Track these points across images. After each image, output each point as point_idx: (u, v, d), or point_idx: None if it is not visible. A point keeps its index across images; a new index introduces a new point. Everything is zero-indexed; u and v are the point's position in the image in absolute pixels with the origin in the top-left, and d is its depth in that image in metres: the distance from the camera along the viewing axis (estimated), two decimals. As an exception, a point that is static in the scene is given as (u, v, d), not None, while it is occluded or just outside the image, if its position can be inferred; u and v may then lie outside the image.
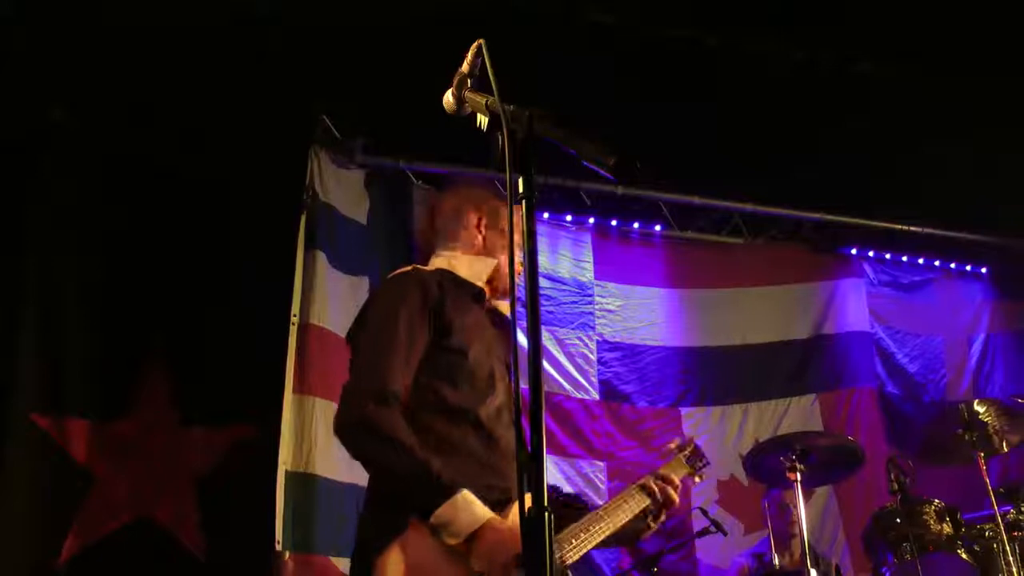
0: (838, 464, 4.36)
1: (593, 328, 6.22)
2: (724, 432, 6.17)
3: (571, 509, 2.45)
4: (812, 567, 3.85)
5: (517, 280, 2.08)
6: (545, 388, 1.52)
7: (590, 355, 6.15)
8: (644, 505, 2.48)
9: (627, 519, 2.43)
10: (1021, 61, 5.25)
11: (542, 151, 1.68)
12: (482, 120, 1.87)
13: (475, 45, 1.91)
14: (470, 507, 2.08)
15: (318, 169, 5.43)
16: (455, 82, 1.95)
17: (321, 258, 5.24)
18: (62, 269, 4.88)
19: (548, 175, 5.92)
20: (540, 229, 5.82)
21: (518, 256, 2.23)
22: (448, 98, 1.97)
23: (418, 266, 2.53)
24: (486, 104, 1.85)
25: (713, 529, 4.77)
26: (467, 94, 1.92)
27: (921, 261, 7.11)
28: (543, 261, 6.15)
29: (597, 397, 6.06)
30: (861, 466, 4.42)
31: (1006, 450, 4.29)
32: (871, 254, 7.00)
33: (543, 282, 5.95)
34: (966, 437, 4.17)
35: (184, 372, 4.89)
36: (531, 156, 1.67)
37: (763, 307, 6.62)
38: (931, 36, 5.16)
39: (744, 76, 5.42)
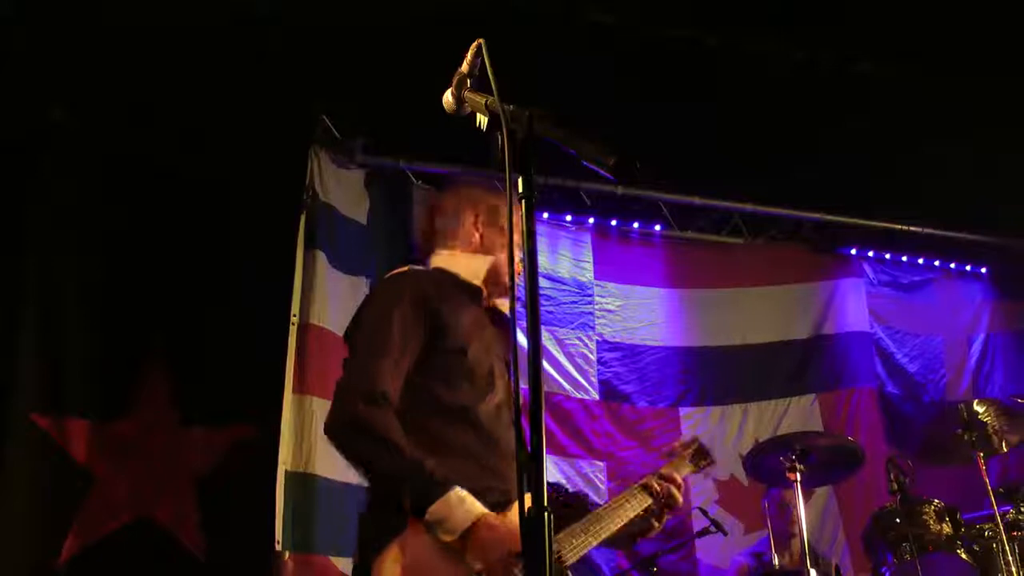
0: (838, 464, 4.36)
1: (593, 328, 6.23)
2: (724, 432, 6.17)
3: (572, 509, 2.44)
4: (812, 567, 3.85)
5: (517, 280, 2.08)
6: (545, 388, 1.52)
7: (590, 355, 6.15)
8: (646, 505, 2.48)
9: (628, 519, 2.43)
10: (1021, 61, 5.25)
11: (542, 151, 1.68)
12: (482, 120, 1.87)
13: (475, 45, 1.90)
14: (463, 504, 2.08)
15: (318, 169, 5.43)
16: (455, 82, 1.94)
17: (321, 258, 5.24)
18: (62, 269, 4.88)
19: (548, 175, 5.92)
20: (540, 229, 5.83)
21: (518, 255, 2.23)
22: (448, 98, 1.97)
23: (414, 266, 2.53)
24: (486, 104, 1.84)
25: (713, 529, 4.77)
26: (467, 94, 1.92)
27: (921, 261, 7.11)
28: (543, 261, 6.15)
29: (597, 397, 6.06)
30: (861, 466, 4.42)
31: (1005, 450, 4.30)
32: (871, 254, 6.99)
33: (543, 282, 5.95)
34: (966, 437, 4.17)
35: (184, 372, 4.89)
36: (531, 156, 1.67)
37: (763, 307, 6.62)
38: (931, 36, 5.16)
39: (744, 76, 5.42)
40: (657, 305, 6.47)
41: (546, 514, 1.42)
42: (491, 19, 4.46)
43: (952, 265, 7.18)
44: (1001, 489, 4.26)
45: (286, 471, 4.72)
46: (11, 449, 4.52)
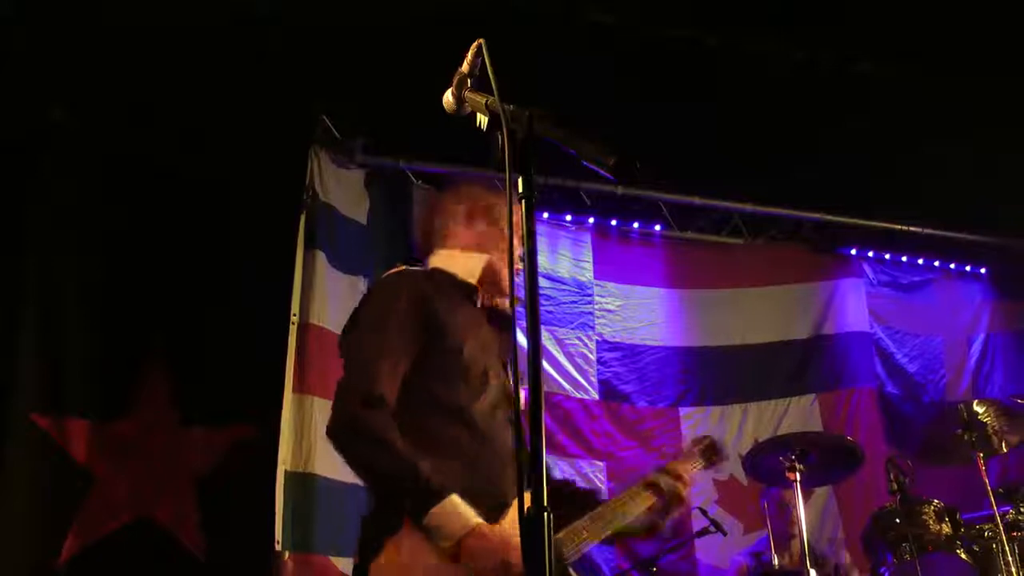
0: (837, 464, 4.36)
1: (593, 328, 6.23)
2: (723, 432, 6.16)
3: (575, 507, 2.43)
4: (812, 567, 3.85)
5: (516, 279, 2.08)
6: (544, 388, 1.52)
7: (590, 355, 6.15)
8: (650, 503, 2.47)
9: (631, 516, 2.42)
10: (1021, 61, 5.25)
11: (542, 151, 1.68)
12: (482, 120, 1.87)
13: (475, 45, 1.90)
14: (458, 511, 2.08)
15: (318, 169, 5.43)
16: (455, 82, 1.94)
17: (321, 258, 5.24)
18: (62, 269, 4.88)
19: (548, 175, 5.92)
20: (540, 229, 5.83)
21: (517, 255, 2.23)
22: (448, 98, 1.97)
23: (410, 266, 2.53)
24: (486, 104, 1.84)
25: (712, 529, 4.77)
26: (467, 94, 1.92)
27: (921, 261, 7.11)
28: (543, 261, 6.15)
29: (597, 397, 6.06)
30: (860, 466, 4.41)
31: (1005, 450, 4.30)
32: (871, 254, 6.99)
33: (543, 282, 5.95)
34: (965, 437, 4.17)
35: (184, 372, 4.90)
36: (531, 156, 1.67)
37: (763, 307, 6.62)
38: (931, 36, 5.16)
39: (744, 76, 5.42)
40: (657, 305, 6.47)
41: (546, 514, 1.42)
42: (491, 19, 4.46)
43: (952, 265, 7.18)
44: (1001, 489, 4.26)
45: (286, 471, 4.71)
46: (11, 449, 4.52)
